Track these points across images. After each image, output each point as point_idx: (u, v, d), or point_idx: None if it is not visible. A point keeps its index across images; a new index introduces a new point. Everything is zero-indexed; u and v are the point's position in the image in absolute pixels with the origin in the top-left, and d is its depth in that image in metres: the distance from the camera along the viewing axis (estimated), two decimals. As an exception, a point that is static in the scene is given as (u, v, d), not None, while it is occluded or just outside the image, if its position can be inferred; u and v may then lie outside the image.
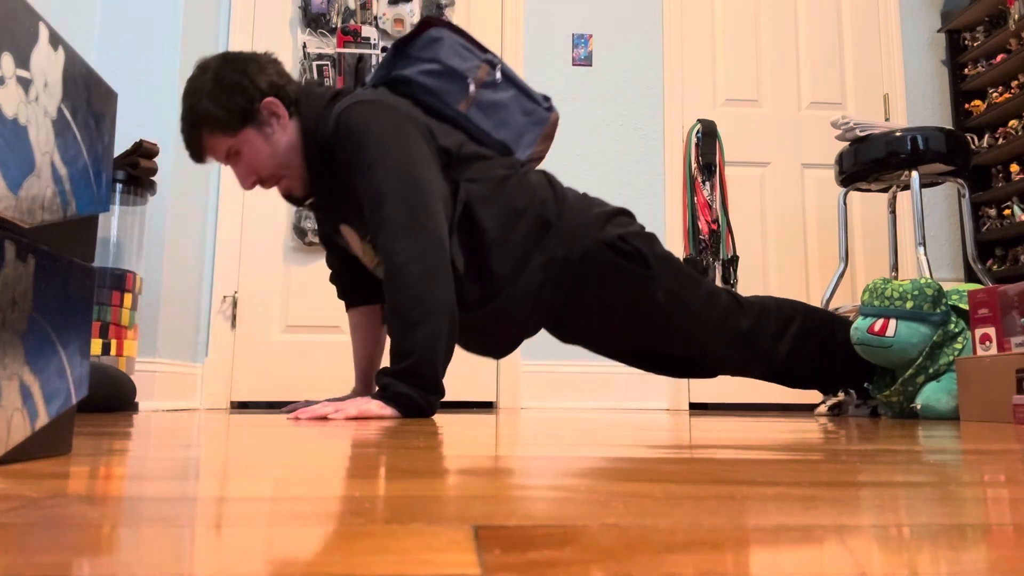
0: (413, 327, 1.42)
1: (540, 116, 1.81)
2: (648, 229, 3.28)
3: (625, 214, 1.79)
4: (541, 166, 3.28)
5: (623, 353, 1.92)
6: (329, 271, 1.96)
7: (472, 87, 1.71)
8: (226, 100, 1.54)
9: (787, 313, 1.88)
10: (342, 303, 3.01)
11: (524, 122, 1.79)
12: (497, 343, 1.73)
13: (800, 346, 1.87)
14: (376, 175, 1.50)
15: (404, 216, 1.47)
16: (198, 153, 1.60)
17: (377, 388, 1.43)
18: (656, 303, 1.74)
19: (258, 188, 3.14)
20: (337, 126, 1.55)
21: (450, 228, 1.60)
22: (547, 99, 1.84)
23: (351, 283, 1.88)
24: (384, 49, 3.21)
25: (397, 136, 1.54)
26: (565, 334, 1.85)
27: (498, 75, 1.75)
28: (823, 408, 2.19)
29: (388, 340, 1.58)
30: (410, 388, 1.40)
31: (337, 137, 1.56)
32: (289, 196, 1.69)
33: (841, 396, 2.15)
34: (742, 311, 1.83)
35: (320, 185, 1.65)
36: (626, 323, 1.78)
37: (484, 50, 1.77)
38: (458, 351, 3.09)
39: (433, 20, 1.75)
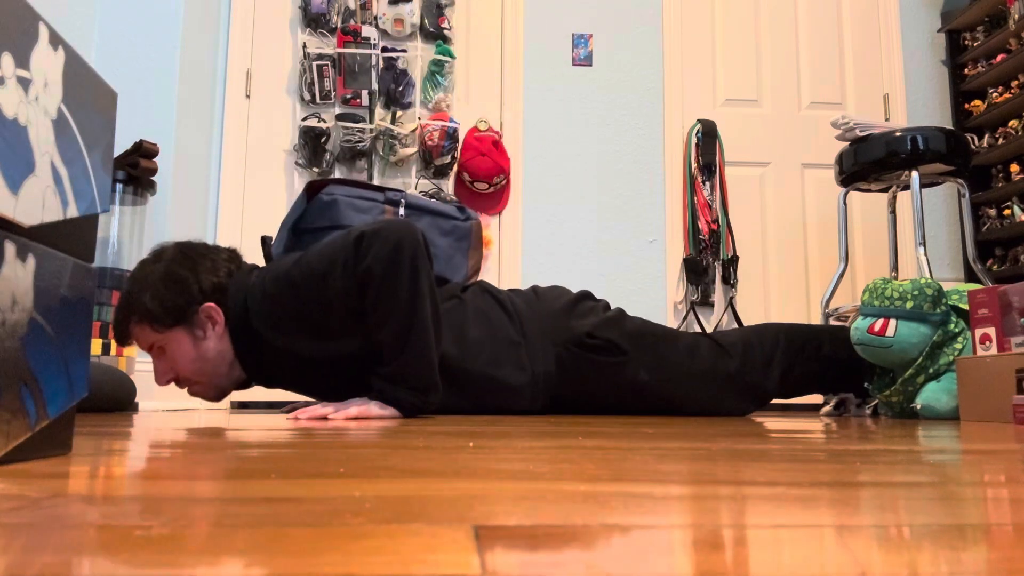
0: (404, 331, 1.38)
1: (461, 231, 1.77)
2: (649, 229, 3.28)
3: (586, 298, 1.77)
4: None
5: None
6: None
7: None
8: (165, 296, 1.47)
9: (769, 340, 1.86)
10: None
11: (447, 244, 1.74)
12: None
13: (790, 367, 1.86)
14: (321, 254, 1.41)
15: (370, 231, 1.40)
16: (124, 336, 1.53)
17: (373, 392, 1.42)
18: (640, 382, 1.73)
19: (258, 183, 3.14)
20: (256, 293, 1.47)
21: None
22: (461, 208, 1.79)
23: None
24: (384, 49, 3.21)
25: (313, 250, 1.46)
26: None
27: (402, 211, 1.70)
28: (828, 408, 2.19)
29: None
30: (406, 392, 1.39)
31: (259, 300, 1.46)
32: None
33: (843, 395, 2.15)
34: (725, 353, 1.81)
35: (255, 368, 1.55)
36: (618, 405, 1.78)
37: (380, 189, 1.71)
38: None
39: (316, 183, 1.66)
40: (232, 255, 1.56)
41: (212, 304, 1.49)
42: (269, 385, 1.63)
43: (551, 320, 1.70)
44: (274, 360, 1.52)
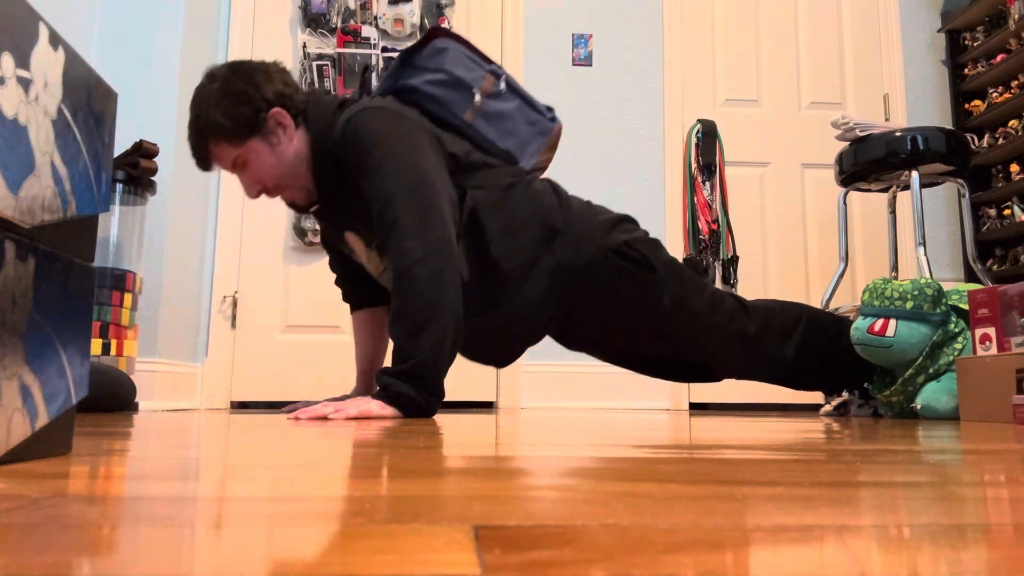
0: (419, 330, 1.42)
1: (544, 126, 1.82)
2: (648, 230, 3.28)
3: (629, 220, 1.79)
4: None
5: (628, 360, 1.91)
6: (332, 273, 1.96)
7: (477, 97, 1.72)
8: (232, 110, 1.55)
9: (792, 316, 1.88)
10: (342, 303, 3.01)
11: (529, 132, 1.80)
12: (500, 351, 1.72)
13: (805, 348, 1.87)
14: (384, 178, 1.50)
15: (413, 218, 1.47)
16: (205, 161, 1.61)
17: (377, 387, 1.44)
18: (662, 308, 1.74)
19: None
20: (344, 133, 1.56)
21: (457, 234, 1.59)
22: (550, 109, 1.85)
23: (355, 287, 1.89)
24: (384, 49, 3.21)
25: (405, 140, 1.55)
26: (571, 341, 1.84)
27: (502, 85, 1.76)
28: (828, 408, 2.19)
29: (391, 340, 1.58)
30: (410, 389, 1.40)
31: (344, 143, 1.56)
32: (293, 204, 1.70)
33: (845, 396, 2.15)
34: (747, 314, 1.83)
35: (325, 192, 1.65)
36: (632, 329, 1.77)
37: (489, 61, 1.78)
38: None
39: (439, 30, 1.75)
40: (278, 66, 1.64)
41: (278, 109, 1.59)
42: (325, 214, 1.72)
43: (596, 225, 1.73)
44: (341, 176, 1.61)
